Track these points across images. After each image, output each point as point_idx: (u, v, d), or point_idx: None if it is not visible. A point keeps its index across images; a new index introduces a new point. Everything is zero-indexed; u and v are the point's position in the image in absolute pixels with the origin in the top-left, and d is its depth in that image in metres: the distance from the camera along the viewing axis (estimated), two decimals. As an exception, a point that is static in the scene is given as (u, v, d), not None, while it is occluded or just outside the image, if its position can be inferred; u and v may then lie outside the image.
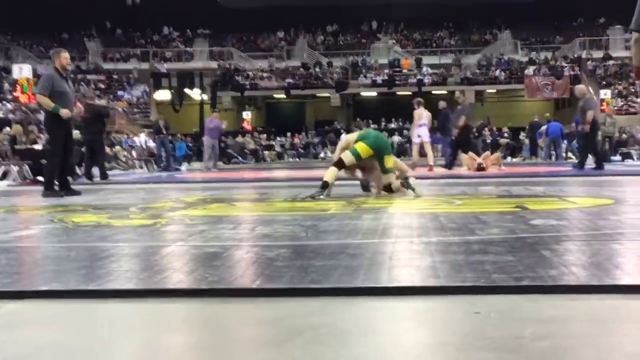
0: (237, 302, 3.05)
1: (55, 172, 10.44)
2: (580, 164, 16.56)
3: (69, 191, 10.35)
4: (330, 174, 8.81)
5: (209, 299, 3.08)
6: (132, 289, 3.21)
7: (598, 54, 44.78)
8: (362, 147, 8.89)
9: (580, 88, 17.31)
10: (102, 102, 19.54)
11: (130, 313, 2.97)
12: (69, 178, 11.43)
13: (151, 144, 27.31)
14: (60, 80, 10.36)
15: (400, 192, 8.79)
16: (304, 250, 4.25)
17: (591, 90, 39.39)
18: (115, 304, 3.06)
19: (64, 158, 10.54)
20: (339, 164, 8.91)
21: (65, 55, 10.58)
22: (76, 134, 14.82)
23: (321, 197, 8.51)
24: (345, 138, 9.57)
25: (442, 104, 20.68)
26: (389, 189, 8.89)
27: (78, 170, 16.85)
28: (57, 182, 10.44)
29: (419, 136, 18.43)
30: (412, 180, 8.91)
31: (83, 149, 17.11)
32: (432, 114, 19.23)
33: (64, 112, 10.15)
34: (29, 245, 4.97)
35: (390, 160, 8.89)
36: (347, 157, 8.90)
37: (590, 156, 17.23)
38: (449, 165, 18.30)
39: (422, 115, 18.42)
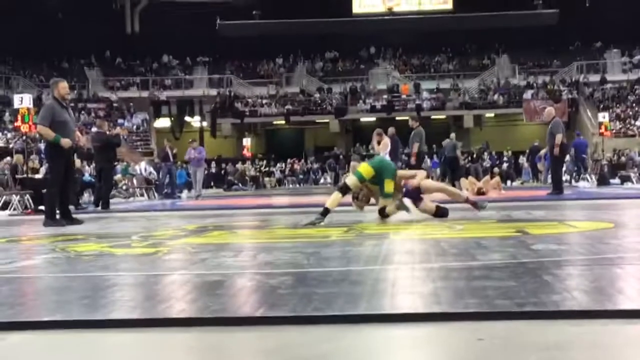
0: (240, 330, 3.05)
1: (56, 202, 10.45)
2: (558, 190, 16.25)
3: (70, 220, 10.36)
4: (332, 199, 8.84)
5: (212, 328, 3.08)
6: (135, 319, 3.21)
7: (595, 78, 44.94)
8: (364, 168, 9.01)
9: (548, 110, 17.17)
10: (115, 131, 19.56)
11: (133, 343, 2.97)
12: (71, 207, 11.44)
13: (152, 171, 27.33)
14: (61, 110, 10.39)
15: (394, 213, 8.85)
16: (306, 277, 4.25)
17: (588, 113, 39.46)
18: (118, 334, 3.06)
19: (65, 187, 10.55)
20: (343, 189, 8.97)
21: (63, 85, 10.60)
22: (77, 162, 14.85)
23: (321, 223, 8.51)
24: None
25: (391, 130, 20.98)
26: (382, 212, 8.91)
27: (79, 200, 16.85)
28: (58, 212, 10.44)
29: None
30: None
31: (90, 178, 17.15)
32: (430, 137, 19.51)
33: (65, 142, 10.16)
34: (31, 276, 4.97)
35: (391, 186, 8.87)
36: (351, 180, 9.00)
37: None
38: None
39: (388, 144, 18.61)
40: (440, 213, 9.14)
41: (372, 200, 9.34)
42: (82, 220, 10.63)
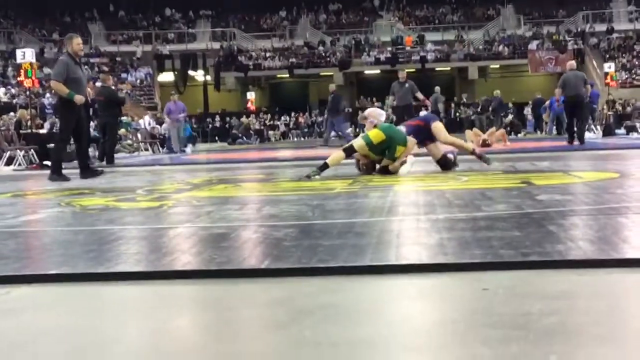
0: (245, 282, 3.06)
1: (63, 156, 10.52)
2: (579, 139, 16.56)
3: (89, 173, 10.50)
4: (335, 157, 8.73)
5: (217, 280, 3.09)
6: (141, 271, 3.22)
7: (601, 27, 44.52)
8: (375, 133, 8.76)
9: (569, 63, 17.72)
10: (120, 89, 19.38)
11: (138, 295, 2.99)
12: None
13: (155, 125, 27.26)
14: (74, 66, 10.41)
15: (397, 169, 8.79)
16: (312, 229, 4.25)
17: (594, 63, 39.17)
18: (124, 287, 3.07)
19: (80, 143, 10.65)
20: (348, 150, 8.80)
21: (77, 41, 10.60)
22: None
23: (317, 177, 8.45)
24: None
25: (332, 87, 21.83)
26: (384, 170, 8.80)
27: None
28: (79, 166, 10.63)
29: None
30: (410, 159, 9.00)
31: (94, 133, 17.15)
32: (431, 90, 19.67)
33: (78, 99, 10.19)
34: (37, 230, 4.99)
35: (402, 150, 8.74)
36: (358, 143, 8.78)
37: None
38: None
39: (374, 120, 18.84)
40: (443, 162, 9.09)
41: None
42: (102, 171, 10.78)
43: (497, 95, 27.69)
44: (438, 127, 9.18)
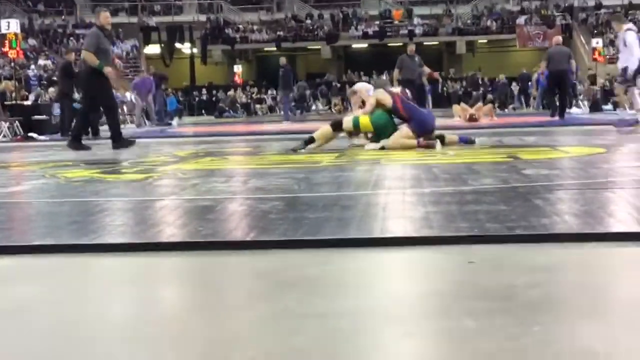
0: (231, 254, 3.06)
1: (118, 123, 11.07)
2: (560, 114, 16.92)
3: (80, 146, 10.52)
4: (322, 132, 8.77)
5: (202, 252, 3.08)
6: (126, 243, 3.21)
7: (590, 2, 44.42)
8: (365, 121, 8.79)
9: (555, 39, 18.03)
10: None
11: (123, 267, 2.97)
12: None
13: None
14: (103, 38, 10.72)
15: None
16: (297, 202, 4.24)
17: (582, 39, 39.14)
18: (109, 258, 3.06)
19: (111, 114, 11.10)
20: (336, 125, 8.84)
21: (105, 15, 11.03)
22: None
23: (302, 150, 8.47)
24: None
25: (282, 61, 22.54)
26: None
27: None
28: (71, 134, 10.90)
29: None
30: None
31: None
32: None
33: (108, 70, 10.42)
34: (21, 201, 4.96)
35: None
36: (347, 123, 8.84)
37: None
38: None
39: (373, 103, 18.83)
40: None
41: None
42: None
43: (502, 79, 31.80)
44: (404, 129, 8.87)
